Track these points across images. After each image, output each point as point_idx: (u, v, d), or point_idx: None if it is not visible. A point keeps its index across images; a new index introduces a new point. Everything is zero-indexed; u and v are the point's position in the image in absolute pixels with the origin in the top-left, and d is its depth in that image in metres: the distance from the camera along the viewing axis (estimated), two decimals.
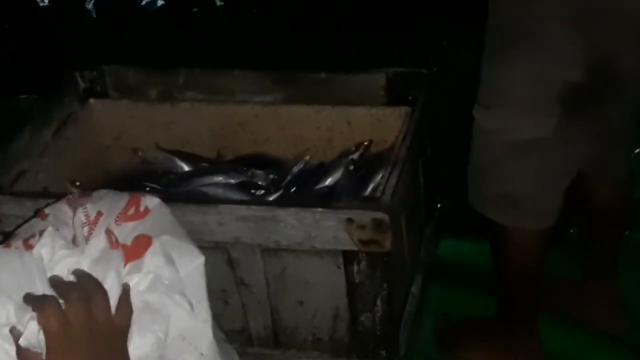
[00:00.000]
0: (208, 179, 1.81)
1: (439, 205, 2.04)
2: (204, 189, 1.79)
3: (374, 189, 1.76)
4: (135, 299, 0.95)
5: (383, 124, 1.84)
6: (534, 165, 1.55)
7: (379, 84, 1.84)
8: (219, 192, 1.77)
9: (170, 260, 1.00)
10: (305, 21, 2.13)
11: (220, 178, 1.80)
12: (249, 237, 1.51)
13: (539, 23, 1.45)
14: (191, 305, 0.98)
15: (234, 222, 1.50)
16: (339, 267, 1.53)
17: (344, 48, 2.04)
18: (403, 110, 1.80)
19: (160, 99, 1.92)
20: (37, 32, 2.11)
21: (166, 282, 0.98)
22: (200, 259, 1.04)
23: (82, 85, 1.91)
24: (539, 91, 1.50)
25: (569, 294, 1.87)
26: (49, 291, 0.92)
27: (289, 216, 1.48)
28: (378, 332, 1.57)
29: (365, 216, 1.45)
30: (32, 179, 1.70)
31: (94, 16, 2.29)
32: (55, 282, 0.93)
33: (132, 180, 1.82)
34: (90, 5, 2.39)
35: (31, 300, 0.90)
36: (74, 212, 1.02)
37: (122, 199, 1.04)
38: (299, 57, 2.00)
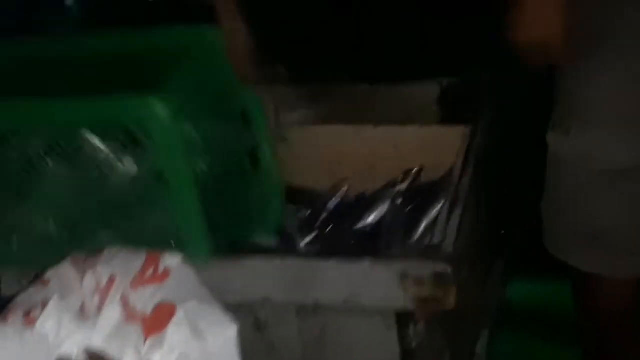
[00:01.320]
0: None
1: (506, 243, 2.06)
2: None
3: (427, 228, 1.79)
4: None
5: (436, 146, 1.86)
6: (627, 200, 1.57)
7: (431, 98, 1.88)
8: None
9: (197, 333, 1.03)
10: (335, 19, 2.15)
11: None
12: (281, 296, 1.54)
13: (627, 22, 1.47)
14: None
15: (262, 278, 1.53)
16: (390, 330, 1.55)
17: (387, 53, 2.06)
18: (461, 130, 1.83)
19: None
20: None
21: None
22: (233, 329, 1.08)
23: None
24: (632, 107, 1.52)
25: None
26: None
27: (330, 269, 1.51)
28: None
29: (424, 269, 1.47)
30: None
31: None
32: None
33: None
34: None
35: None
36: (82, 276, 1.06)
37: (138, 258, 1.08)
38: (333, 66, 2.02)
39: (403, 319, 1.53)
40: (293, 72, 1.98)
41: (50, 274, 1.08)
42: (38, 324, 0.98)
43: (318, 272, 1.51)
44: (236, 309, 1.51)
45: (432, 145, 1.86)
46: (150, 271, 1.06)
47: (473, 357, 1.79)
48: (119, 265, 1.06)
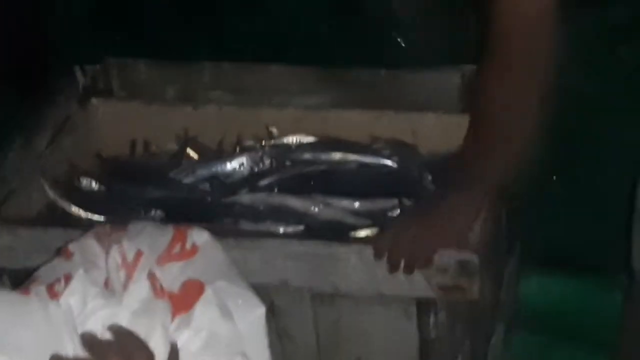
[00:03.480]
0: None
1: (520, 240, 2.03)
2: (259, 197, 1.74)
3: None
4: None
5: (457, 134, 1.82)
6: None
7: (452, 84, 1.84)
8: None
9: (226, 312, 1.00)
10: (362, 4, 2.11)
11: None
12: (298, 280, 1.50)
13: None
14: None
15: (281, 260, 1.49)
16: (409, 318, 1.52)
17: (407, 38, 2.02)
18: None
19: (180, 101, 1.92)
20: (20, 16, 2.09)
21: (223, 341, 0.98)
22: (261, 309, 1.06)
23: (82, 82, 1.91)
24: None
25: None
26: (81, 352, 0.91)
27: (350, 254, 1.48)
28: None
29: (448, 257, 1.44)
30: (25, 201, 1.69)
31: None
32: (89, 340, 0.93)
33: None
34: None
35: None
36: (107, 250, 1.02)
37: (165, 233, 1.04)
38: (350, 49, 1.98)
39: (424, 307, 1.50)
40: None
41: (73, 246, 1.04)
42: (62, 298, 0.94)
43: (338, 257, 1.48)
44: None
45: (452, 133, 1.81)
46: (177, 247, 1.03)
47: (489, 347, 1.75)
48: (145, 240, 1.02)
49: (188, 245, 1.03)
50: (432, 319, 1.51)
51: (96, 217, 1.65)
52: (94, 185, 1.76)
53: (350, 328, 1.56)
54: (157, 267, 1.00)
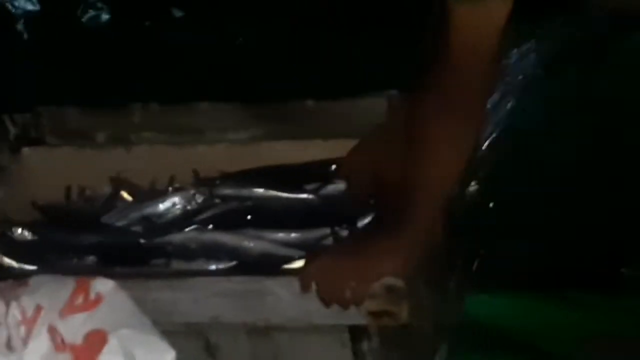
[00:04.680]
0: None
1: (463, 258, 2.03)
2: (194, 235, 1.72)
3: None
4: None
5: None
6: None
7: (379, 111, 1.82)
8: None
9: None
10: (285, 34, 2.12)
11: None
12: (230, 316, 1.49)
13: None
14: None
15: (211, 298, 1.48)
16: (344, 346, 1.51)
17: (335, 66, 2.03)
18: None
19: (111, 143, 1.91)
20: None
21: None
22: (170, 355, 1.02)
23: (12, 131, 1.89)
24: None
25: None
26: None
27: (279, 287, 1.46)
28: None
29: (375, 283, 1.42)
30: None
31: (25, 39, 2.27)
32: None
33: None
34: (20, 26, 2.38)
35: None
36: (7, 307, 1.00)
37: (67, 285, 1.02)
38: (279, 82, 1.99)
39: (356, 334, 1.49)
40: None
41: None
42: None
43: (266, 291, 1.46)
44: (185, 333, 1.49)
45: None
46: (80, 298, 1.01)
47: None
48: (46, 294, 1.01)
49: (92, 296, 1.02)
50: (365, 345, 1.49)
51: (28, 267, 1.63)
52: (27, 234, 1.74)
53: None
54: (59, 321, 0.99)
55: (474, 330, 1.99)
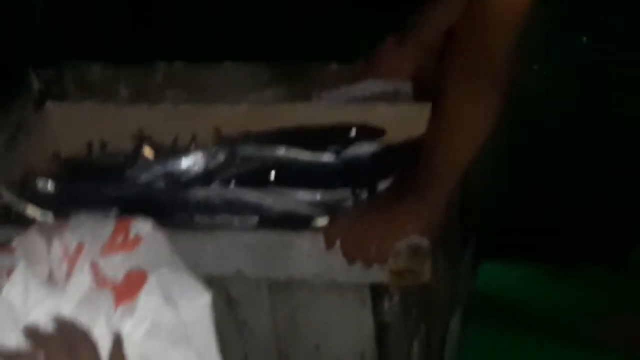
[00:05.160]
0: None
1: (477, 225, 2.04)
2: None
3: None
4: (130, 351, 0.94)
5: (409, 123, 1.83)
6: None
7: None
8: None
9: (170, 301, 1.00)
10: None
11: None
12: (253, 269, 1.50)
13: None
14: (199, 356, 0.97)
15: (235, 250, 1.49)
16: (364, 304, 1.52)
17: (358, 31, 2.03)
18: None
19: (134, 100, 1.91)
20: None
21: (167, 329, 0.97)
22: (206, 297, 1.04)
23: (36, 86, 1.90)
24: None
25: None
26: (24, 344, 0.91)
27: (303, 242, 1.48)
28: None
29: (400, 241, 1.44)
30: None
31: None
32: (32, 332, 0.92)
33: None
34: None
35: (1, 356, 0.89)
36: (49, 244, 1.01)
37: (107, 226, 1.04)
38: (303, 44, 2.00)
39: (378, 293, 1.51)
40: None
41: (15, 242, 1.04)
42: (4, 291, 0.93)
43: (291, 245, 1.48)
44: (207, 285, 1.51)
45: (405, 122, 1.82)
46: (120, 238, 1.02)
47: (447, 333, 1.76)
48: (87, 232, 1.02)
49: (131, 236, 1.03)
50: (386, 304, 1.51)
51: (51, 217, 1.64)
52: (50, 186, 1.75)
53: (307, 316, 1.56)
54: (99, 258, 1.00)
55: (487, 300, 2.02)
